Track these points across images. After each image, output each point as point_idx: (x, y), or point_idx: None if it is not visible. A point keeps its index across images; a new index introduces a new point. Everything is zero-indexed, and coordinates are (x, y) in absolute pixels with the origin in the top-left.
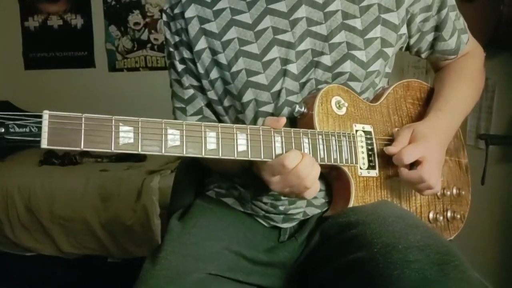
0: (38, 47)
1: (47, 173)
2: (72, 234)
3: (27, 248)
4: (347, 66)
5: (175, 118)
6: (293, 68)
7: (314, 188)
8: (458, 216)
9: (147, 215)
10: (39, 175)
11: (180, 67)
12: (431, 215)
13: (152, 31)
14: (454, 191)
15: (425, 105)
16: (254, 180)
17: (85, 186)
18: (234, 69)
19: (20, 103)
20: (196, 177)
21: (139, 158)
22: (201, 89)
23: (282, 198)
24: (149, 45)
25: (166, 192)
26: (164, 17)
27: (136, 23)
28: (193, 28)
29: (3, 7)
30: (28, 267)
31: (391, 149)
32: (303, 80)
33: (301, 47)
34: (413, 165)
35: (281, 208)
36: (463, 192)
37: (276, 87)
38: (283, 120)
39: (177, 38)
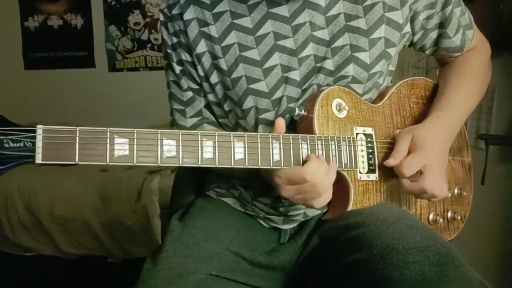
0: (38, 47)
1: (47, 173)
2: (72, 234)
3: (27, 248)
4: (350, 70)
5: (174, 120)
6: (295, 75)
7: (325, 196)
8: (459, 217)
9: (147, 215)
10: (39, 175)
11: (178, 68)
12: (431, 217)
13: (152, 31)
14: (456, 191)
15: (430, 104)
16: (255, 181)
17: (85, 186)
18: (234, 75)
19: (20, 104)
20: (196, 177)
21: None
22: (199, 92)
23: (282, 199)
24: (149, 45)
25: (166, 192)
26: (162, 17)
27: (136, 23)
28: (192, 30)
29: (3, 7)
30: (28, 267)
31: (390, 162)
32: (305, 86)
33: (304, 53)
34: (415, 174)
35: (282, 209)
36: (465, 193)
37: (277, 95)
38: (280, 123)
39: (175, 39)
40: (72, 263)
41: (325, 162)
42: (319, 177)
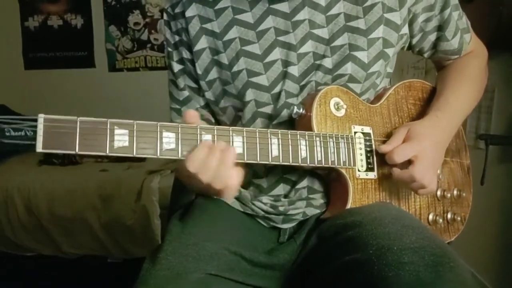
0: (38, 47)
1: (47, 173)
2: (72, 234)
3: (27, 248)
4: (348, 68)
5: (171, 118)
6: (294, 70)
7: (228, 187)
8: (459, 218)
9: (147, 215)
10: (39, 175)
11: (176, 68)
12: (430, 217)
13: (152, 31)
14: (455, 192)
15: (427, 106)
16: (254, 180)
17: (85, 186)
18: (235, 69)
19: (20, 103)
20: None
21: (139, 158)
22: (198, 91)
23: (282, 199)
24: (149, 45)
25: (166, 192)
26: (165, 16)
27: (136, 23)
28: (194, 27)
29: (3, 7)
30: (28, 267)
31: (383, 148)
32: (303, 82)
33: (303, 49)
34: (407, 165)
35: (281, 208)
36: (464, 194)
37: (276, 89)
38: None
39: (177, 38)
40: (72, 263)
41: (217, 151)
42: (207, 169)
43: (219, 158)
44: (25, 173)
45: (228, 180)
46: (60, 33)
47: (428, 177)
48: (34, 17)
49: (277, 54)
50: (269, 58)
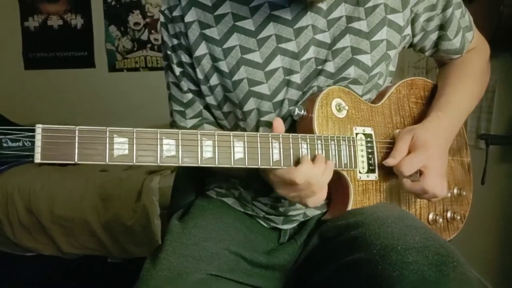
0: (38, 47)
1: (47, 173)
2: (72, 234)
3: (27, 248)
4: (351, 72)
5: (174, 121)
6: (296, 78)
7: (319, 195)
8: (458, 216)
9: (147, 216)
10: (39, 175)
11: (178, 70)
12: (430, 217)
13: (152, 31)
14: (455, 191)
15: (429, 104)
16: (255, 181)
17: (85, 186)
18: (235, 77)
19: (20, 103)
20: (196, 176)
21: None
22: (199, 94)
23: (282, 200)
24: (149, 45)
25: (166, 192)
26: (162, 18)
27: (136, 23)
28: (193, 33)
29: (3, 7)
30: (28, 267)
31: (390, 162)
32: (305, 89)
33: (305, 56)
34: (416, 173)
35: (281, 209)
36: (464, 192)
37: (279, 97)
38: (279, 124)
39: (175, 41)
40: (72, 263)
41: (322, 162)
42: (312, 178)
43: (325, 167)
44: (25, 173)
45: (322, 191)
46: (60, 33)
47: (439, 186)
48: (34, 17)
49: (278, 62)
50: (270, 67)
